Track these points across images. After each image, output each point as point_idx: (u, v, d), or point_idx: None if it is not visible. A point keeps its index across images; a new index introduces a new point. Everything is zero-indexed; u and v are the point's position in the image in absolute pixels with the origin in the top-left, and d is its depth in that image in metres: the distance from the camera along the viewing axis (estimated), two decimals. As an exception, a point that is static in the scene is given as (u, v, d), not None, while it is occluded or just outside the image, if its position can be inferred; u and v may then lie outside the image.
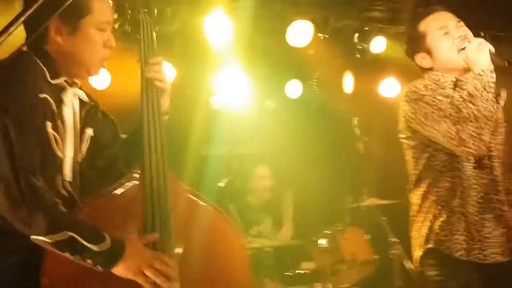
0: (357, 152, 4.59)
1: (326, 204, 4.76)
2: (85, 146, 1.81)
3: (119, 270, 1.59)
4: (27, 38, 1.65)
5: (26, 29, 1.64)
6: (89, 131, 1.83)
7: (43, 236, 1.53)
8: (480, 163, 2.15)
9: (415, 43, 2.29)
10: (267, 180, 4.42)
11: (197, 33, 4.01)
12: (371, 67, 5.03)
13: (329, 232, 4.09)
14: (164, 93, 1.91)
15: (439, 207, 2.16)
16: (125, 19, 2.82)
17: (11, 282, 1.61)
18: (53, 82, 1.71)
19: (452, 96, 2.14)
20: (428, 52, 2.24)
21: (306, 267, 4.15)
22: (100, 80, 4.19)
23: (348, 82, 4.98)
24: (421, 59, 2.27)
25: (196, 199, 1.84)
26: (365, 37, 4.65)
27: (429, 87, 2.20)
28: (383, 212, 4.50)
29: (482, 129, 2.03)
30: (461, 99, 2.10)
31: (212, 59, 4.28)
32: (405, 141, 2.33)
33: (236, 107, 4.68)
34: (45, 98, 1.65)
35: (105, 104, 1.95)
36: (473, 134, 2.03)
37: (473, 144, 2.04)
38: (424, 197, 2.21)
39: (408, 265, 4.31)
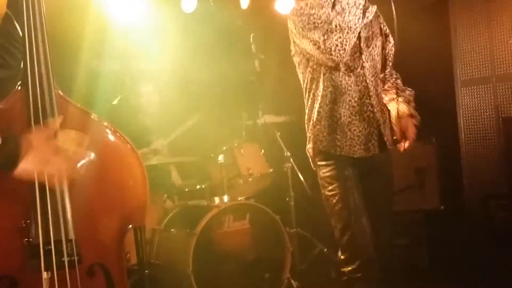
0: (253, 69, 4.60)
1: (223, 121, 4.79)
2: None
3: (20, 172, 1.48)
4: None
5: None
6: None
7: None
8: (354, 72, 2.50)
9: None
10: (155, 96, 4.31)
11: None
12: (267, -18, 4.96)
13: (226, 148, 4.16)
14: None
15: (315, 113, 2.54)
16: None
17: None
18: None
19: (329, 13, 2.45)
20: None
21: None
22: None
23: (244, -3, 4.89)
24: None
25: (87, 115, 1.76)
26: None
27: (309, 4, 2.49)
28: (278, 128, 4.65)
29: (345, 39, 2.37)
30: (334, 14, 2.43)
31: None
32: (294, 58, 2.64)
33: (128, 20, 4.43)
34: None
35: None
36: (337, 43, 2.36)
37: (336, 51, 2.37)
38: (310, 105, 2.58)
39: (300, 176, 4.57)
